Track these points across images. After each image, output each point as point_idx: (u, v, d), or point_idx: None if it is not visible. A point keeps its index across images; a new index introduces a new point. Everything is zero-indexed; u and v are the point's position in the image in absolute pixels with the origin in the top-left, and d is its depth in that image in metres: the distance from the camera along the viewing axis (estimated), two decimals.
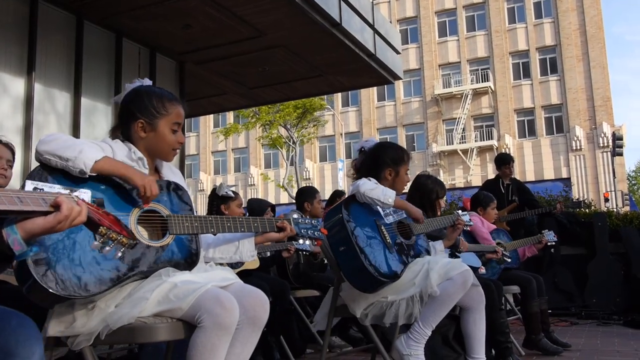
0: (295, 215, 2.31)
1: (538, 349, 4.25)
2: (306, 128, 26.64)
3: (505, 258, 4.03)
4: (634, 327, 5.80)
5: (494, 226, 4.74)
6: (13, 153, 2.80)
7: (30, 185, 1.69)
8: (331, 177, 35.16)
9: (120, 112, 2.08)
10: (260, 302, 1.87)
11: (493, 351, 3.47)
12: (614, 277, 7.02)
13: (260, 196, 36.92)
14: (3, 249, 1.18)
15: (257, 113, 24.10)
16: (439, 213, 3.87)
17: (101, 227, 1.34)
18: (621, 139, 25.15)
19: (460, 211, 3.21)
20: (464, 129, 32.25)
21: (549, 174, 30.38)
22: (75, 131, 7.89)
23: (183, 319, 1.76)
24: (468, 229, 3.24)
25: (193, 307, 1.72)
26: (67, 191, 1.33)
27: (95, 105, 8.44)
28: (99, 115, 8.45)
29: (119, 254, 1.42)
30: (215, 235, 2.16)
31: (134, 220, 1.86)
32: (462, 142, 32.23)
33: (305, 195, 5.00)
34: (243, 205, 4.64)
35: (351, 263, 2.59)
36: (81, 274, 1.64)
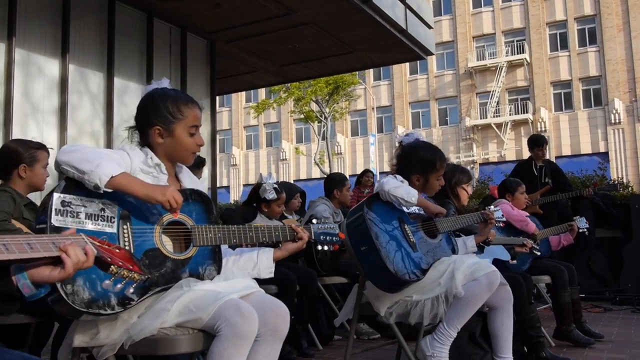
0: (314, 221, 2.29)
1: (569, 340, 4.19)
2: (338, 103, 26.49)
3: (534, 251, 3.95)
4: None
5: (526, 213, 4.64)
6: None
7: (57, 198, 1.71)
8: (362, 152, 35.00)
9: (136, 116, 2.07)
10: (280, 315, 1.87)
11: (525, 347, 3.43)
12: None
13: (292, 171, 37.05)
14: (13, 291, 1.19)
15: (288, 88, 24.04)
16: (465, 201, 3.80)
17: (112, 266, 1.34)
18: None
19: (492, 207, 3.13)
20: (498, 103, 31.62)
21: (585, 149, 29.67)
22: (109, 111, 7.99)
23: (204, 329, 1.77)
24: (501, 224, 3.15)
25: (213, 317, 1.73)
26: (80, 234, 1.33)
27: (127, 85, 8.52)
28: (131, 95, 8.53)
29: (131, 290, 1.43)
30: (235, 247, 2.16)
31: (159, 232, 1.87)
32: (496, 116, 31.64)
33: (335, 182, 4.97)
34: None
35: (373, 263, 2.57)
36: (106, 291, 1.66)
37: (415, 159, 2.88)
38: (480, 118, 32.09)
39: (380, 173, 32.92)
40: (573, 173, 9.18)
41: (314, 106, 26.22)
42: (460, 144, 32.71)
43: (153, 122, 1.99)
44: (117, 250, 1.40)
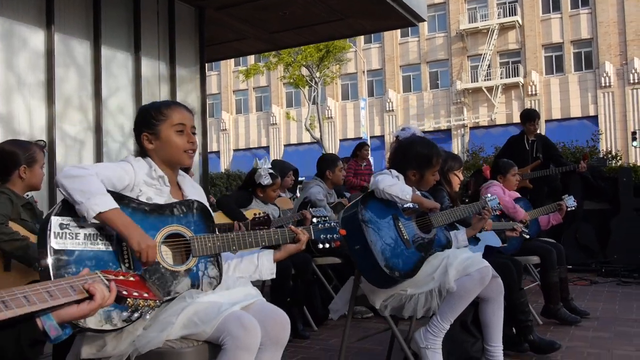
0: (314, 220, 2.33)
1: (556, 319, 4.32)
2: (329, 68, 26.28)
3: (524, 235, 4.03)
4: None
5: (517, 194, 4.71)
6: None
7: (55, 221, 1.74)
8: (353, 116, 34.90)
9: (134, 133, 2.13)
10: (281, 324, 1.94)
11: (514, 329, 3.54)
12: (637, 234, 6.99)
13: (282, 135, 36.94)
14: (38, 335, 1.22)
15: (279, 53, 23.79)
16: (456, 187, 3.86)
17: (128, 300, 1.38)
18: None
19: (489, 195, 3.18)
20: (489, 66, 31.48)
21: (575, 112, 29.76)
22: (97, 83, 7.91)
23: (208, 341, 1.83)
24: (497, 213, 3.21)
25: (217, 329, 1.79)
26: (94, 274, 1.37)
27: (115, 55, 8.41)
28: (119, 65, 8.44)
29: (148, 317, 1.47)
30: (235, 252, 2.19)
31: (158, 244, 1.91)
32: (487, 79, 31.54)
33: (327, 163, 4.99)
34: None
35: (366, 261, 2.63)
36: (109, 310, 1.70)
37: (411, 155, 2.91)
38: (471, 81, 31.99)
39: (371, 137, 32.92)
40: (564, 144, 9.24)
41: (305, 71, 26.00)
42: (451, 108, 32.67)
43: (142, 130, 2.07)
44: (132, 279, 1.44)
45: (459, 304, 2.68)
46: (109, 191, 1.84)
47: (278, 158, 36.56)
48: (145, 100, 8.69)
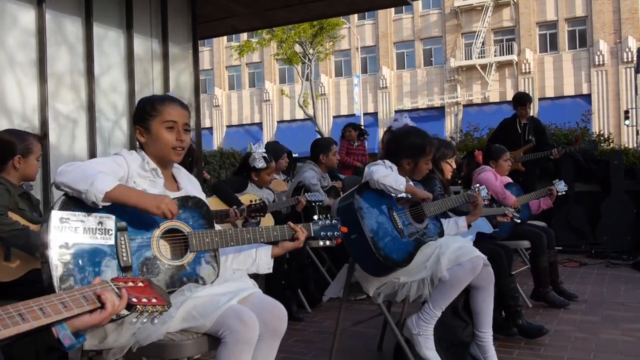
0: (315, 217, 2.35)
1: (545, 302, 4.42)
2: (322, 45, 26.10)
3: (515, 219, 4.08)
4: None
5: (508, 179, 4.77)
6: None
7: (55, 215, 1.78)
8: (347, 92, 34.76)
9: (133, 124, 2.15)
10: (279, 316, 1.99)
11: (503, 314, 3.62)
12: (627, 216, 7.10)
13: (275, 112, 36.79)
14: (53, 343, 1.27)
15: (272, 30, 23.58)
16: (448, 175, 3.91)
17: (138, 306, 1.42)
18: None
19: (478, 184, 3.24)
20: (483, 43, 31.34)
21: (569, 90, 29.77)
22: (89, 61, 7.86)
23: (207, 334, 1.88)
24: (486, 202, 3.27)
25: (216, 323, 1.84)
26: (104, 282, 1.41)
27: (107, 33, 8.32)
28: (111, 43, 8.35)
29: (156, 321, 1.51)
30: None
31: (156, 240, 1.94)
32: (481, 57, 31.43)
33: (321, 147, 5.02)
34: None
35: (362, 250, 2.68)
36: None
37: (405, 144, 2.96)
38: (465, 59, 31.88)
39: (364, 114, 32.86)
40: (556, 124, 9.28)
41: (298, 48, 25.81)
42: (445, 85, 32.60)
43: (136, 123, 2.11)
44: (141, 284, 1.48)
45: (450, 292, 2.74)
46: None
47: (271, 135, 36.51)
48: (138, 79, 8.63)
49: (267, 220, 4.22)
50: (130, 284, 1.47)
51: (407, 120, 3.08)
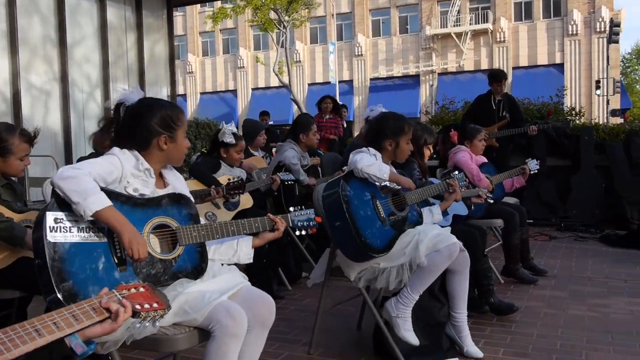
0: (291, 209, 2.44)
1: (515, 278, 4.60)
2: (297, 12, 25.77)
3: (489, 200, 4.20)
4: (607, 244, 6.16)
5: (484, 159, 4.88)
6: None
7: (50, 216, 1.83)
8: (322, 60, 34.53)
9: (129, 124, 2.14)
10: (267, 307, 2.09)
11: (476, 291, 3.77)
12: (595, 190, 7.33)
13: (250, 79, 36.41)
14: (66, 352, 1.34)
15: None
16: (427, 158, 4.04)
17: (142, 313, 1.49)
18: (618, 25, 24.72)
19: (457, 172, 3.35)
20: (458, 11, 31.29)
21: (542, 59, 30.02)
22: (61, 32, 7.72)
23: (198, 327, 1.97)
24: (464, 189, 3.39)
25: (207, 318, 1.93)
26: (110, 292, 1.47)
27: (79, 2, 8.18)
28: (83, 14, 8.22)
29: (157, 324, 1.58)
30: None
31: (147, 234, 2.01)
32: (457, 25, 31.41)
33: (301, 126, 5.05)
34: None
35: (345, 237, 2.78)
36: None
37: (385, 127, 3.09)
38: (441, 27, 31.83)
39: (340, 82, 32.74)
40: (529, 99, 9.43)
41: (273, 15, 25.45)
42: (420, 53, 32.58)
43: (159, 131, 2.12)
44: (142, 289, 1.55)
45: (428, 277, 2.86)
46: (102, 188, 1.91)
47: (246, 102, 36.20)
48: (112, 49, 8.52)
49: (246, 199, 4.28)
50: (133, 290, 1.54)
51: (381, 108, 3.19)
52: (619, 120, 27.14)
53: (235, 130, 4.32)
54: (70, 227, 1.86)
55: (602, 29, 28.12)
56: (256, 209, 4.39)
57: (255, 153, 5.82)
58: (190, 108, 36.67)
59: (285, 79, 27.13)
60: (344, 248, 2.86)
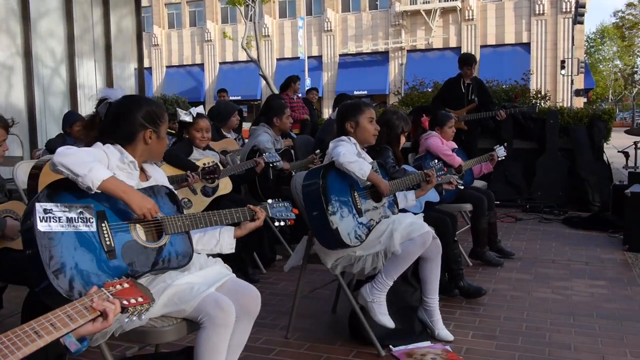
0: (270, 201, 2.50)
1: (482, 261, 4.76)
2: None
3: (459, 187, 4.31)
4: (570, 226, 6.39)
5: (454, 144, 4.99)
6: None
7: (40, 207, 1.85)
8: (291, 35, 34.25)
9: (114, 118, 2.17)
10: (253, 298, 2.17)
11: (447, 275, 3.90)
12: (560, 173, 7.55)
13: (217, 52, 35.90)
14: (61, 350, 1.38)
15: None
16: (400, 146, 4.12)
17: (130, 309, 1.54)
18: (584, 6, 25.02)
19: (435, 160, 3.44)
20: None
21: (509, 38, 30.37)
22: (24, 5, 7.51)
23: (186, 319, 2.03)
24: (441, 178, 3.49)
25: (195, 309, 1.99)
26: (98, 291, 1.51)
27: None
28: None
29: (143, 317, 1.63)
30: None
31: (133, 225, 2.06)
32: (426, 2, 31.48)
33: (275, 110, 5.06)
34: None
35: (322, 227, 2.86)
36: (92, 282, 1.85)
37: (343, 110, 3.24)
38: (410, 4, 31.85)
39: (309, 57, 32.57)
40: (498, 82, 9.59)
41: None
42: (389, 30, 32.58)
43: (146, 125, 2.17)
44: (126, 285, 1.60)
45: (402, 264, 2.97)
46: None
47: (213, 77, 35.73)
48: (78, 23, 8.33)
49: (226, 184, 4.30)
50: (118, 287, 1.59)
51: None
52: (582, 100, 27.79)
53: (194, 111, 4.21)
54: (59, 217, 1.88)
55: (568, 10, 28.51)
56: (232, 194, 4.42)
57: (228, 135, 5.81)
58: (156, 82, 36.05)
59: (254, 54, 26.84)
60: (321, 236, 2.94)
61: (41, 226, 1.83)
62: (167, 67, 37.26)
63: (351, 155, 2.94)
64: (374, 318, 3.02)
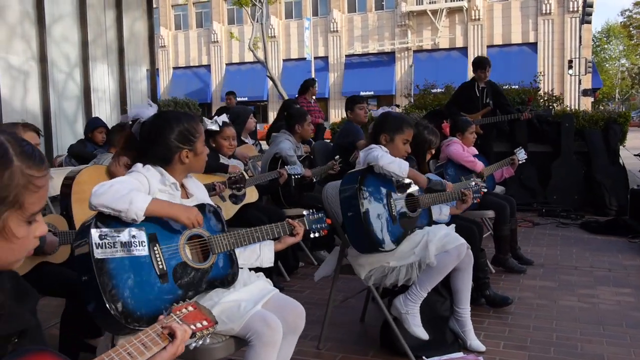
0: (305, 212, 2.51)
1: (504, 268, 4.76)
2: None
3: (483, 190, 4.29)
4: (588, 230, 6.37)
5: (475, 150, 4.99)
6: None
7: (95, 232, 1.87)
8: (297, 36, 34.27)
9: (148, 141, 2.16)
10: (299, 314, 2.20)
11: (473, 284, 3.90)
12: (575, 176, 7.54)
13: (224, 54, 35.95)
14: None
15: None
16: (427, 158, 4.12)
17: (197, 333, 1.55)
18: (591, 5, 24.98)
19: (473, 183, 3.43)
20: None
21: (516, 38, 30.34)
22: (40, 10, 7.54)
23: (235, 336, 2.05)
24: (477, 201, 3.48)
25: (244, 327, 2.01)
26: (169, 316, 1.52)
27: None
28: None
29: (207, 340, 1.64)
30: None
31: (182, 247, 2.06)
32: (432, 2, 31.47)
33: (296, 117, 5.08)
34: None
35: (355, 228, 2.90)
36: (146, 306, 1.88)
37: (385, 121, 3.22)
38: (417, 4, 31.84)
39: (315, 58, 32.58)
40: (510, 85, 9.57)
41: None
42: (395, 30, 32.58)
43: (180, 147, 2.15)
44: (191, 308, 1.60)
45: (436, 276, 2.98)
46: None
47: (220, 78, 35.74)
48: (91, 28, 8.35)
49: (252, 193, 4.31)
50: (184, 310, 1.59)
51: (388, 108, 3.30)
52: (589, 99, 27.71)
53: (217, 119, 4.20)
54: (114, 242, 1.89)
55: (575, 9, 28.47)
56: (255, 202, 4.42)
57: (246, 140, 5.82)
58: (163, 83, 36.11)
59: (261, 55, 26.86)
60: (353, 239, 2.97)
61: (97, 253, 1.85)
62: (174, 68, 37.33)
63: (388, 156, 2.97)
64: (408, 329, 3.02)
